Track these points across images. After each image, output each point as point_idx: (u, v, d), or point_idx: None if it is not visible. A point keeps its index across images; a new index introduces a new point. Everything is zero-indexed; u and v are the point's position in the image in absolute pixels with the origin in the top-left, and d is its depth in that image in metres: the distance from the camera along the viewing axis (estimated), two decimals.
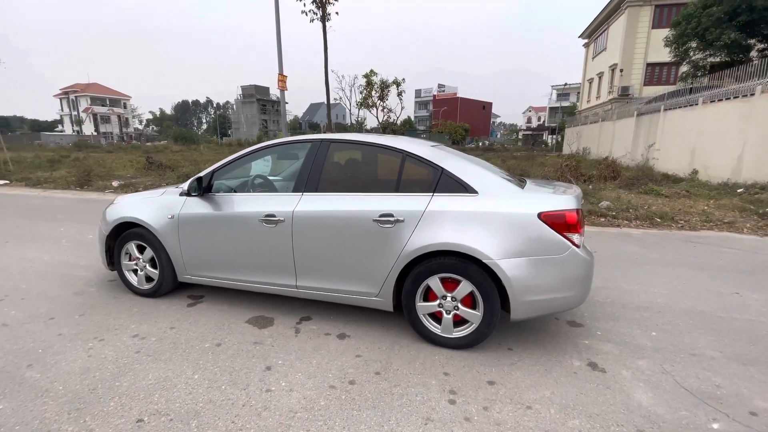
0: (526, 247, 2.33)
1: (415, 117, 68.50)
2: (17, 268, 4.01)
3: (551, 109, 58.17)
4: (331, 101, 21.35)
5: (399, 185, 2.64)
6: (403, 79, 12.83)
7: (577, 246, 2.35)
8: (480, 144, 48.83)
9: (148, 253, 3.24)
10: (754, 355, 2.55)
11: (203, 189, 3.01)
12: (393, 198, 2.59)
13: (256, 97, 59.25)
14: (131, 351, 2.51)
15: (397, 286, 2.62)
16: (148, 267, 3.27)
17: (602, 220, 7.01)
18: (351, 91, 22.04)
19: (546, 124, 58.90)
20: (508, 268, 2.31)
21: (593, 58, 28.43)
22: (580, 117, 28.16)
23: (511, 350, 2.57)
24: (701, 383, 2.23)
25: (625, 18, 22.37)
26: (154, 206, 3.19)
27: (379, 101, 13.08)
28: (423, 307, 2.58)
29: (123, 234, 3.30)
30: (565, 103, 52.31)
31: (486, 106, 73.00)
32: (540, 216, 2.33)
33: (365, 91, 12.88)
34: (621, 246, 5.23)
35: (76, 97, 56.07)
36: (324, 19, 10.03)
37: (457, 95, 68.42)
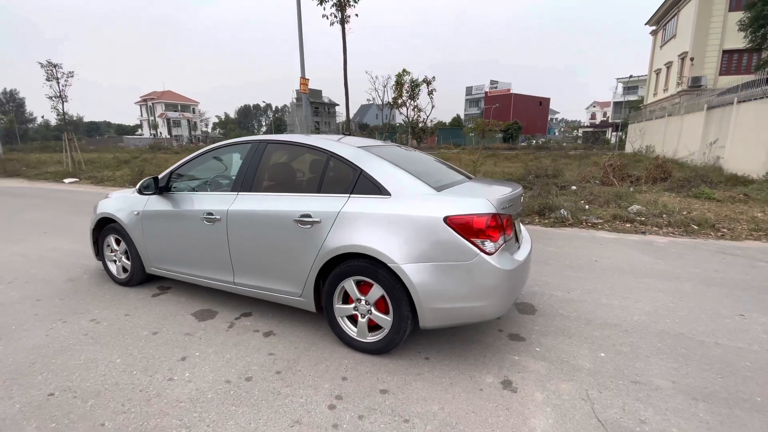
0: (432, 252, 2.21)
1: (465, 115, 66.85)
2: (38, 255, 4.61)
3: (616, 103, 53.48)
4: (367, 102, 21.41)
5: (321, 186, 2.64)
6: (434, 77, 12.60)
7: (488, 253, 2.18)
8: (533, 142, 46.25)
9: (123, 246, 3.56)
10: (714, 389, 2.18)
11: (161, 188, 3.23)
12: (314, 198, 2.59)
13: (310, 100, 61.70)
14: (80, 333, 2.78)
15: (318, 287, 2.62)
16: (123, 258, 3.60)
17: (627, 225, 6.35)
18: (384, 91, 22.07)
19: (610, 120, 54.33)
20: (413, 272, 2.22)
21: (661, 47, 25.69)
22: (645, 112, 25.60)
23: (428, 359, 2.45)
24: (623, 416, 1.96)
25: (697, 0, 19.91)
26: (125, 203, 3.50)
27: (409, 100, 12.98)
28: (340, 309, 2.56)
29: (104, 227, 3.66)
30: (633, 97, 47.77)
31: (543, 102, 69.12)
32: (446, 220, 2.19)
33: (396, 91, 12.88)
34: (631, 255, 4.71)
35: (152, 103, 62.90)
36: (343, 22, 10.19)
37: (511, 91, 65.59)
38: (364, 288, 2.45)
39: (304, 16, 9.73)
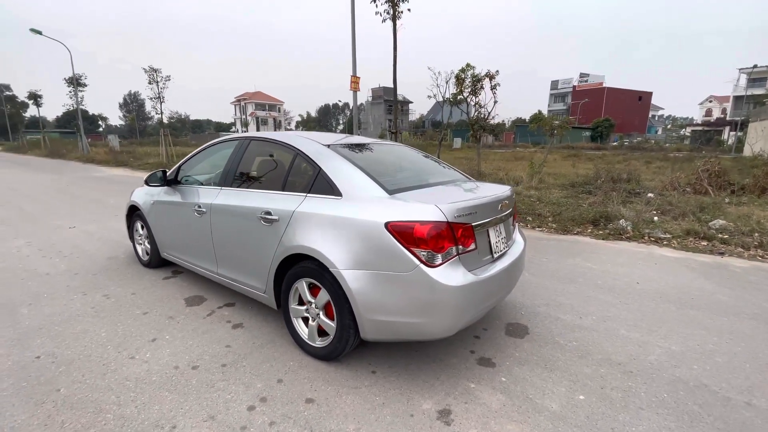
0: (372, 259, 2.06)
1: (549, 111, 62.05)
2: (99, 235, 5.36)
3: (737, 98, 45.06)
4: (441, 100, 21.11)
5: (285, 183, 2.62)
6: (497, 71, 11.76)
7: (431, 265, 1.95)
8: (625, 142, 41.19)
9: (146, 231, 3.95)
10: None
11: (168, 181, 3.51)
12: (277, 196, 2.59)
13: (384, 98, 62.75)
14: (89, 306, 3.15)
15: (279, 285, 2.62)
16: (146, 242, 4.00)
17: (703, 244, 5.31)
18: (446, 87, 21.27)
19: (728, 118, 46.06)
20: (351, 279, 2.08)
21: None
22: None
23: (374, 373, 2.30)
24: None
25: None
26: (147, 192, 3.87)
27: (471, 96, 12.34)
28: (295, 310, 2.52)
29: (133, 213, 4.10)
30: (758, 91, 39.79)
31: (643, 97, 61.28)
32: (387, 226, 2.01)
33: (457, 88, 12.37)
34: (688, 280, 3.91)
35: (244, 103, 69.76)
36: (395, 18, 10.04)
37: (603, 85, 59.28)
38: (315, 291, 2.39)
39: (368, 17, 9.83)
